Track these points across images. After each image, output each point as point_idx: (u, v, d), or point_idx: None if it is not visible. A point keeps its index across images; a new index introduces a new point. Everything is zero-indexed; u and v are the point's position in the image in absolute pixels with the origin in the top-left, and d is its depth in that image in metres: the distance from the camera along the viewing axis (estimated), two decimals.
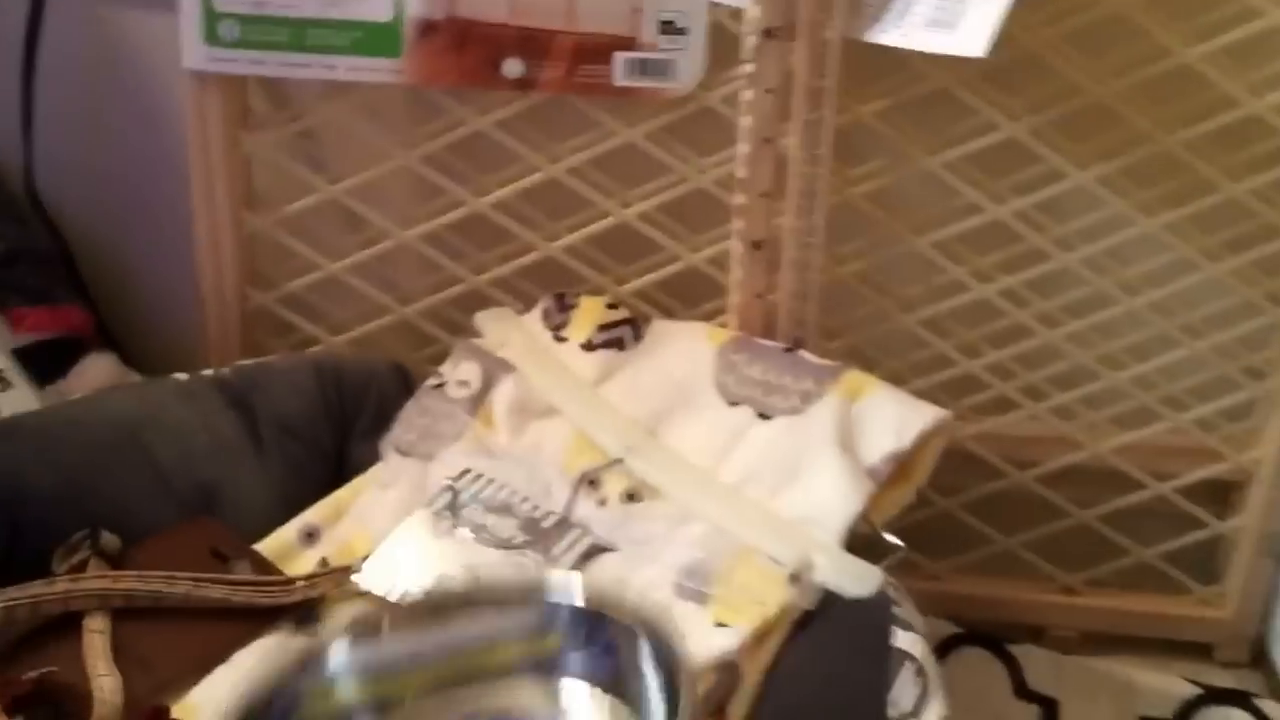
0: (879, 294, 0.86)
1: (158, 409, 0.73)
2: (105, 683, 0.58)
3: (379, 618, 0.55)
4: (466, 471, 0.73)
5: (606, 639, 0.53)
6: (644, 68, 0.80)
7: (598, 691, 0.54)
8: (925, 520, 0.89)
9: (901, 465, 0.71)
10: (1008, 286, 0.84)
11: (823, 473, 0.69)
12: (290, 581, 0.67)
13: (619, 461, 0.72)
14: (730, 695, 0.60)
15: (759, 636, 0.62)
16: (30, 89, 0.92)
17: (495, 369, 0.78)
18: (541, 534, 0.69)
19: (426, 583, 0.67)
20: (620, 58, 0.79)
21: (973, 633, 0.90)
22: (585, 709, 0.53)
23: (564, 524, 0.70)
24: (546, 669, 0.54)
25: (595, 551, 0.69)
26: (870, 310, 0.87)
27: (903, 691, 0.60)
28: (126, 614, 0.64)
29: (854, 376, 0.74)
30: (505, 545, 0.69)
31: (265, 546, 0.71)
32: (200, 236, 0.86)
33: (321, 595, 0.68)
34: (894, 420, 0.71)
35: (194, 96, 0.83)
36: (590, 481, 0.72)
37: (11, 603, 0.61)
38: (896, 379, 0.80)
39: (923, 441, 0.71)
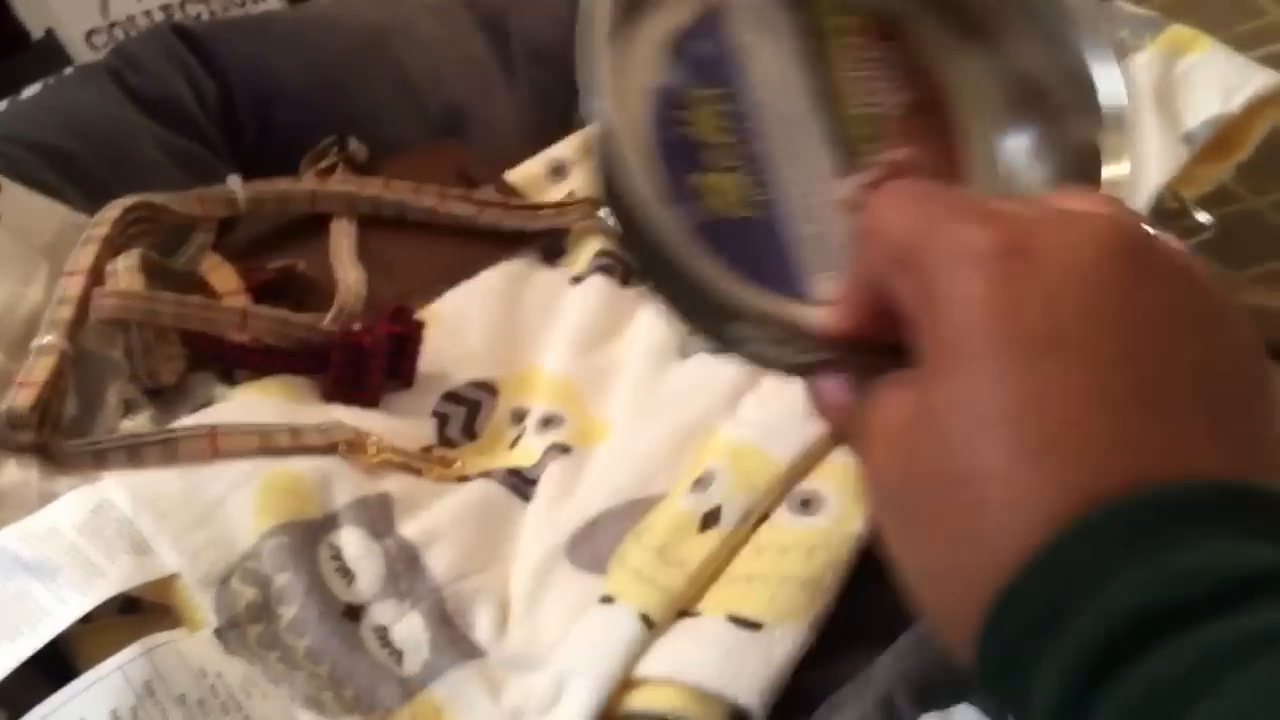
0: None
1: (406, 21, 0.70)
2: (350, 275, 0.58)
3: None
4: None
5: None
6: None
7: None
8: (1227, 218, 0.78)
9: (1224, 135, 0.61)
10: None
11: None
12: (537, 207, 0.65)
13: None
14: None
15: None
16: None
17: None
18: None
19: None
20: None
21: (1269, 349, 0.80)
22: None
23: None
24: None
25: None
26: None
27: None
28: (372, 223, 0.63)
29: (1179, 30, 0.63)
30: None
31: (512, 177, 0.69)
32: None
33: (568, 226, 0.65)
34: (1222, 80, 0.61)
35: None
36: None
37: (259, 194, 0.60)
38: None
39: (1252, 110, 0.61)
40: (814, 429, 0.51)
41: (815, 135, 0.37)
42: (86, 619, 0.45)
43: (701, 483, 0.49)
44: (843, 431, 0.30)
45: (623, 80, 0.35)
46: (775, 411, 0.52)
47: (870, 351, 0.30)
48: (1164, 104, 0.61)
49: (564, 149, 0.70)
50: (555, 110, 0.72)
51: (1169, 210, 0.61)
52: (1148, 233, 0.27)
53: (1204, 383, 0.25)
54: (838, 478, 0.50)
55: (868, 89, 0.38)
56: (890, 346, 0.29)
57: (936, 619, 0.27)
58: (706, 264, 0.32)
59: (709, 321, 0.32)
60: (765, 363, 0.33)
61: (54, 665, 0.44)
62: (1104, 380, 0.25)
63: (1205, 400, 0.25)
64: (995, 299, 0.25)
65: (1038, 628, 0.23)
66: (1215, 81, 0.61)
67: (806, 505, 0.49)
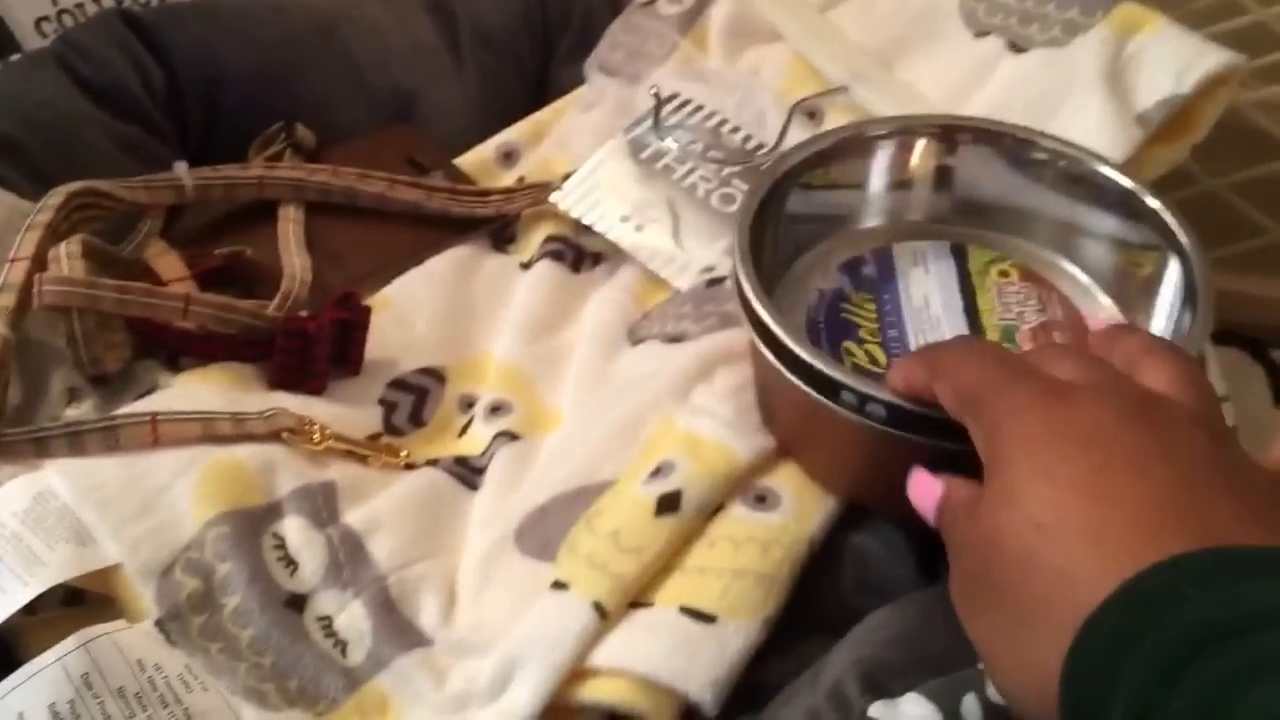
0: None
1: (354, 5, 0.69)
2: (296, 262, 0.57)
3: None
4: (674, 96, 0.67)
5: None
6: None
7: None
8: (1186, 201, 0.78)
9: (1178, 116, 0.61)
10: None
11: (1084, 115, 0.59)
12: (486, 193, 0.64)
13: (843, 90, 0.65)
14: None
15: None
16: None
17: None
18: (751, 164, 0.64)
19: (625, 209, 0.62)
20: None
21: (1231, 333, 0.81)
22: None
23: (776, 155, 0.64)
24: None
25: None
26: None
27: None
28: (320, 210, 0.63)
29: (1129, 9, 0.63)
30: (713, 176, 0.63)
31: (462, 162, 0.68)
32: None
33: (518, 212, 0.65)
34: (1175, 60, 0.60)
35: None
36: (810, 113, 0.65)
37: (206, 181, 0.60)
38: None
39: (1206, 89, 0.60)
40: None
41: (955, 331, 0.51)
42: (30, 610, 0.44)
43: (660, 473, 0.49)
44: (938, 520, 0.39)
45: (805, 282, 0.54)
46: (736, 408, 0.51)
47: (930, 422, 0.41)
48: (1116, 85, 0.60)
49: (514, 134, 0.69)
50: (504, 94, 0.72)
51: None
52: (1177, 404, 0.35)
53: (1236, 488, 0.32)
54: (794, 478, 0.50)
55: (1006, 309, 0.52)
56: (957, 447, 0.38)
57: (1016, 676, 0.33)
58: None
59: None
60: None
61: None
62: (1148, 468, 0.32)
63: (1242, 498, 0.32)
64: (1043, 423, 0.34)
65: (1127, 638, 0.28)
66: (1167, 61, 0.60)
67: (762, 500, 0.49)
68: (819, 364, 0.44)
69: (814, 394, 0.45)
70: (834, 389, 0.44)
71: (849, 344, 0.51)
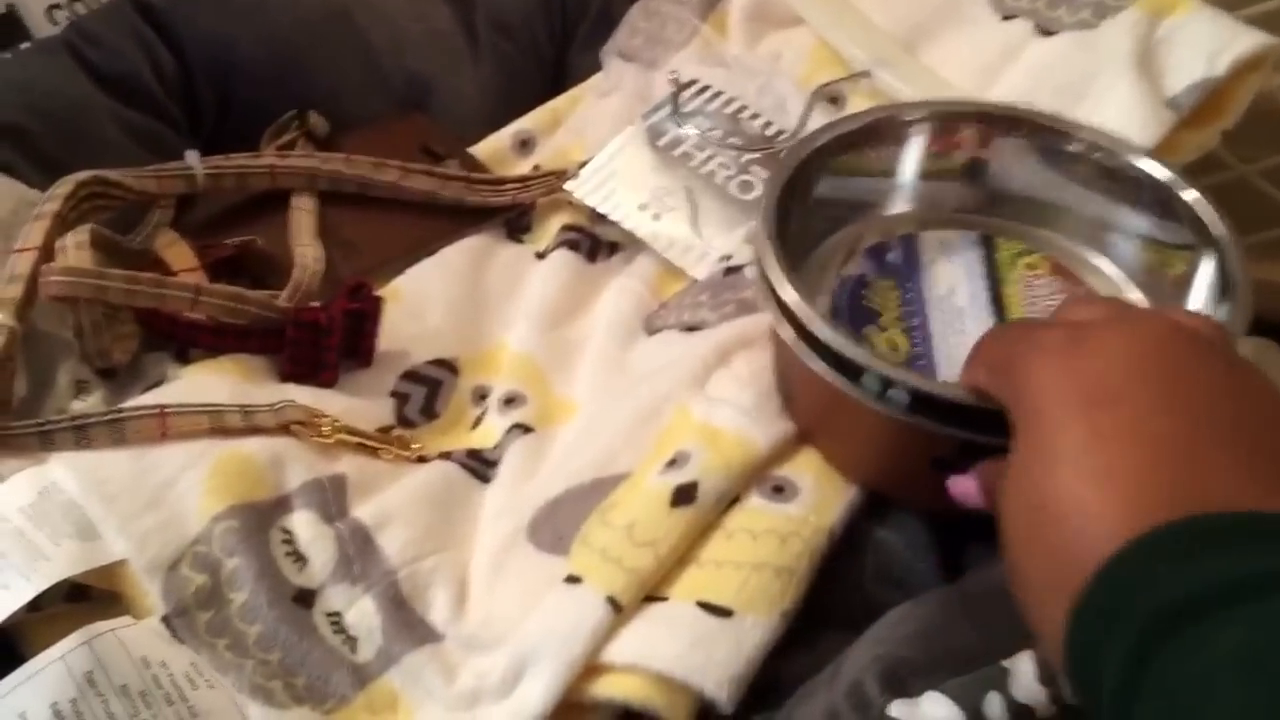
0: None
1: None
2: (308, 252, 0.56)
3: None
4: (693, 82, 0.65)
5: None
6: None
7: None
8: (1216, 187, 0.76)
9: (1210, 100, 0.59)
10: None
11: (1113, 99, 0.58)
12: (501, 182, 0.63)
13: (865, 75, 0.63)
14: None
15: None
16: None
17: None
18: (771, 151, 0.62)
19: (642, 197, 0.61)
20: None
21: (1259, 320, 0.79)
22: None
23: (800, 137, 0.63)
24: None
25: None
26: None
27: None
28: (333, 199, 0.62)
29: None
30: (732, 163, 0.62)
31: (478, 151, 0.67)
32: None
33: (533, 201, 0.63)
34: (1208, 42, 0.59)
35: None
36: (832, 99, 0.64)
37: (217, 170, 0.59)
38: None
39: (1238, 73, 0.59)
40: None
41: (978, 322, 0.51)
42: (34, 607, 0.43)
43: (676, 463, 0.48)
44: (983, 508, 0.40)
45: (827, 268, 0.53)
46: (755, 395, 0.50)
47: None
48: (1147, 68, 0.59)
49: (530, 121, 0.68)
50: (521, 82, 0.70)
51: None
52: (1196, 333, 0.35)
53: (1241, 436, 0.32)
54: (813, 468, 0.48)
55: (1033, 302, 0.52)
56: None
57: (1040, 629, 0.33)
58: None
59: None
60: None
61: (1, 653, 0.43)
62: (1146, 427, 0.32)
63: (1244, 448, 0.31)
64: (1059, 373, 0.34)
65: (1105, 623, 0.29)
66: (1199, 44, 0.59)
67: (780, 491, 0.48)
68: (841, 346, 0.43)
69: (835, 378, 0.44)
70: (855, 372, 0.43)
71: (869, 330, 0.50)
